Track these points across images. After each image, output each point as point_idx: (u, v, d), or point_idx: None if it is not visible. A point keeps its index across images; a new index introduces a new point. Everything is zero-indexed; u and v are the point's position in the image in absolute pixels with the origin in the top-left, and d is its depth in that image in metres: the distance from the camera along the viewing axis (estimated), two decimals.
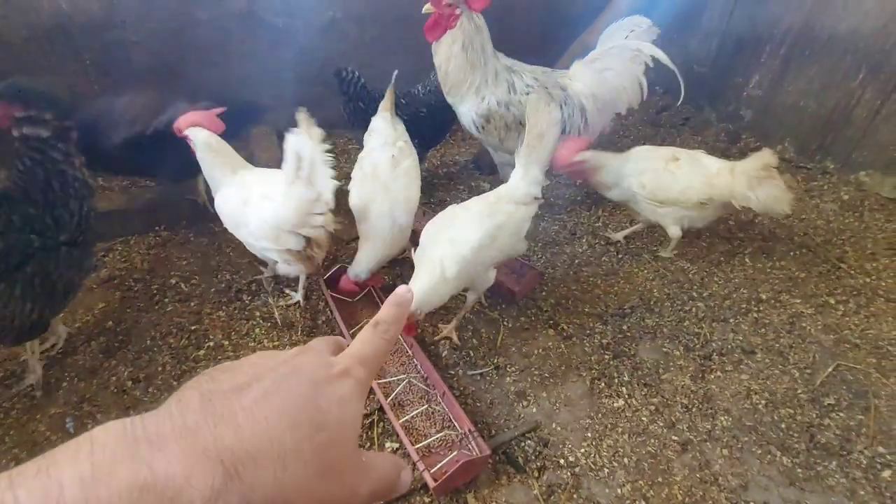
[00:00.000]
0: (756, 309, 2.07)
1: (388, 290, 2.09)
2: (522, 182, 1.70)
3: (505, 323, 1.95)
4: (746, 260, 2.34)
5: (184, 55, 2.69)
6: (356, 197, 1.81)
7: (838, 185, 2.88)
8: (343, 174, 2.94)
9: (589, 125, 2.29)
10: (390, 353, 1.56)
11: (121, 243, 2.28)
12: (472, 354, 1.81)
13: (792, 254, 2.39)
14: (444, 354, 1.81)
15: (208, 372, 0.39)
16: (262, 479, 0.33)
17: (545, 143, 1.64)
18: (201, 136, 1.71)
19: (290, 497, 0.34)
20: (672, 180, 2.07)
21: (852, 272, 2.27)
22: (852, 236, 2.49)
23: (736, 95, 3.43)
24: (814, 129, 3.04)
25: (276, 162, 2.74)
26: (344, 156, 3.16)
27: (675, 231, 2.19)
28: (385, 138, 1.83)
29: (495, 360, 1.79)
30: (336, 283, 1.93)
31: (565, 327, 1.93)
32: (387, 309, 0.49)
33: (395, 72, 2.07)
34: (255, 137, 2.79)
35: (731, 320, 2.01)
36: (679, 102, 2.34)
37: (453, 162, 3.09)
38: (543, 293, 2.11)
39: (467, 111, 2.11)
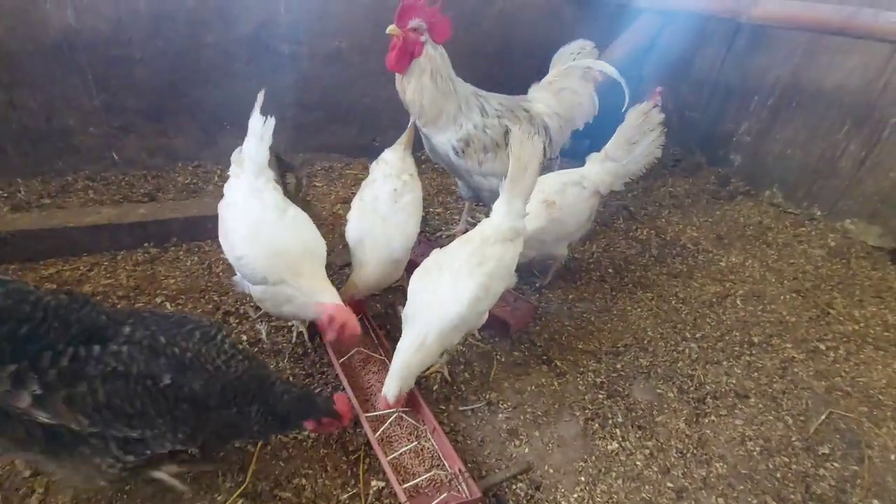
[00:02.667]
0: (748, 352, 2.07)
1: (381, 318, 2.07)
2: (507, 217, 1.63)
3: (498, 357, 1.92)
4: (738, 302, 2.36)
5: (187, 74, 2.71)
6: (353, 230, 1.79)
7: (825, 231, 2.95)
8: (339, 198, 2.99)
9: (553, 142, 2.40)
10: (380, 387, 1.52)
11: (108, 259, 2.23)
12: (463, 389, 1.77)
13: (782, 297, 2.41)
14: (434, 388, 1.76)
15: None
16: None
17: (528, 174, 1.61)
18: None
19: None
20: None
21: (841, 318, 2.29)
22: (840, 283, 2.53)
23: (726, 141, 3.54)
24: (801, 176, 3.14)
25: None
26: (340, 180, 3.17)
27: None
28: (391, 169, 1.83)
29: (487, 396, 1.74)
30: None
31: (559, 364, 1.90)
32: None
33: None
34: None
35: (725, 363, 2.00)
36: (624, 109, 2.37)
37: (449, 191, 3.11)
38: (537, 327, 2.09)
39: (447, 140, 2.09)
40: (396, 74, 1.96)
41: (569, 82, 2.36)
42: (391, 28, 1.84)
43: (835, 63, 2.86)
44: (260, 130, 1.67)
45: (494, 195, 1.71)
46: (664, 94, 2.69)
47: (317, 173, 3.16)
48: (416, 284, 1.57)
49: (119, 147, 2.80)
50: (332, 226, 2.72)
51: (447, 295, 1.49)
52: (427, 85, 1.93)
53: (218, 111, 2.87)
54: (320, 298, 1.55)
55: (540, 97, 2.36)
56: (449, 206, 2.99)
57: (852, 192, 2.89)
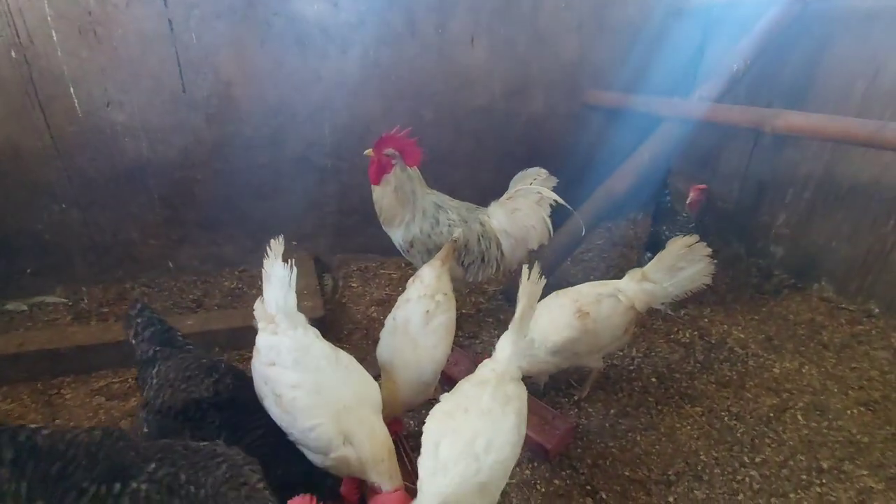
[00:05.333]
0: (818, 481, 1.87)
1: (416, 437, 2.01)
2: (515, 357, 1.55)
3: (538, 486, 1.81)
4: (799, 417, 2.17)
5: (240, 191, 2.97)
6: (385, 349, 1.81)
7: (886, 329, 2.74)
8: (373, 299, 3.06)
9: (505, 257, 2.56)
10: None
11: None
12: None
13: (849, 412, 2.21)
14: None
15: None
16: None
17: (531, 313, 1.57)
18: None
19: None
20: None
21: None
22: None
23: (764, 233, 3.47)
24: (850, 270, 2.99)
25: (310, 287, 2.86)
26: (375, 280, 3.26)
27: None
28: (425, 289, 1.86)
29: None
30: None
31: (605, 496, 1.76)
32: None
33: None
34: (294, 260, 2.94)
35: (792, 495, 1.81)
36: (582, 233, 2.69)
37: (482, 291, 3.13)
38: (578, 450, 1.97)
39: (397, 238, 2.46)
40: None
41: (523, 204, 2.54)
42: (367, 151, 2.27)
43: (867, 158, 2.83)
44: (286, 278, 1.58)
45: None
46: (707, 192, 2.73)
47: (352, 273, 3.28)
48: (432, 431, 1.40)
49: (174, 256, 3.03)
50: (366, 329, 2.77)
51: (487, 437, 1.35)
52: (389, 194, 2.33)
53: (265, 220, 3.09)
54: (383, 487, 1.44)
55: (496, 213, 2.55)
56: (481, 307, 3.00)
57: None
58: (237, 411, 1.55)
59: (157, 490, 1.14)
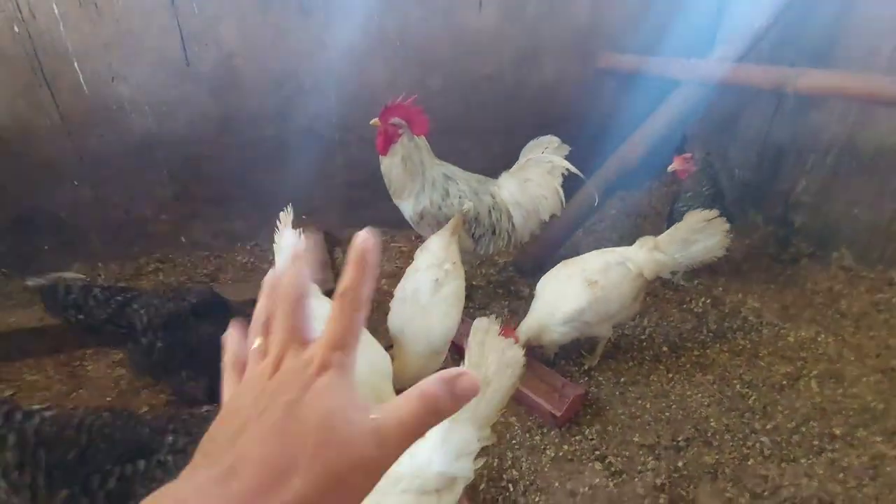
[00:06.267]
0: (830, 447, 1.86)
1: None
2: (438, 453, 1.09)
3: (547, 451, 1.83)
4: (813, 385, 2.16)
5: (248, 165, 2.96)
6: (395, 319, 1.83)
7: None
8: (384, 272, 3.07)
9: (516, 229, 2.52)
10: None
11: None
12: (511, 490, 1.69)
13: (865, 379, 2.18)
14: (481, 488, 1.69)
15: (209, 429, 0.42)
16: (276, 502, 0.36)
17: (493, 391, 1.11)
18: None
19: (313, 499, 0.37)
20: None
21: None
22: None
23: (782, 200, 3.37)
24: (872, 237, 2.91)
25: (321, 262, 2.88)
26: (385, 253, 3.26)
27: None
28: (434, 259, 1.87)
29: (537, 499, 1.66)
30: None
31: (613, 461, 1.78)
32: (349, 272, 0.45)
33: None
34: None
35: (803, 461, 1.81)
36: (595, 203, 2.63)
37: (492, 263, 3.12)
38: (588, 416, 1.99)
39: (407, 209, 2.45)
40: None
41: (534, 174, 2.49)
42: (373, 121, 2.22)
43: (894, 119, 2.71)
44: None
45: None
46: (692, 162, 2.63)
47: None
48: None
49: (186, 232, 3.05)
50: (377, 302, 2.77)
51: None
52: (397, 164, 2.29)
53: (274, 195, 3.07)
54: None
55: (507, 184, 2.50)
56: (491, 278, 2.99)
57: None
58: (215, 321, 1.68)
59: (183, 459, 1.17)
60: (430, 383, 0.42)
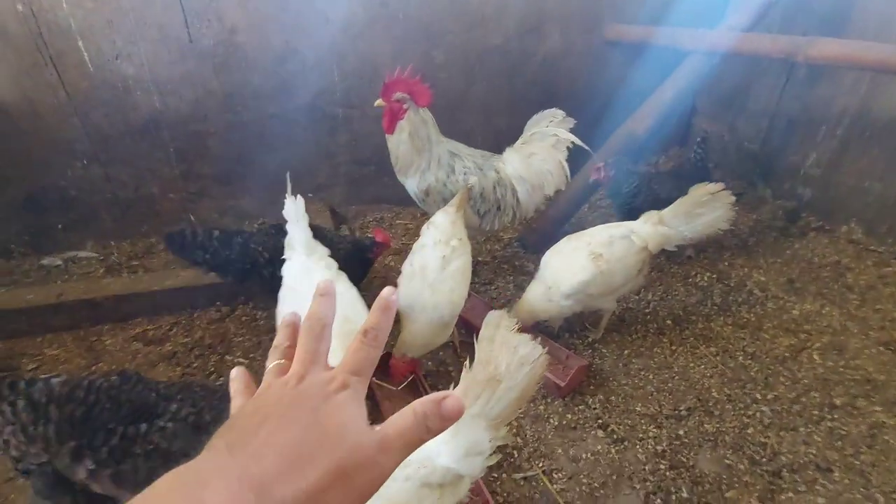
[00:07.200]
0: (830, 416, 1.90)
1: (433, 375, 2.10)
2: (448, 445, 1.07)
3: (551, 420, 1.88)
4: (815, 357, 2.18)
5: (253, 142, 2.96)
6: (403, 296, 1.85)
7: None
8: (390, 249, 3.09)
9: (521, 205, 2.51)
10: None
11: (185, 317, 2.43)
12: (516, 455, 1.75)
13: (867, 351, 2.20)
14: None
15: (228, 422, 0.48)
16: (289, 491, 0.41)
17: (504, 388, 1.06)
18: None
19: (318, 495, 0.41)
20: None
21: None
22: None
23: (791, 174, 3.33)
24: (882, 211, 2.88)
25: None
26: (391, 230, 3.28)
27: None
28: (441, 235, 1.88)
29: (541, 464, 1.71)
30: (382, 368, 1.95)
31: (616, 429, 1.83)
32: (374, 315, 0.53)
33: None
34: (310, 212, 2.97)
35: (802, 429, 1.85)
36: (592, 179, 2.58)
37: (498, 239, 3.13)
38: (591, 387, 2.03)
39: (412, 186, 2.42)
40: None
41: (538, 148, 2.46)
42: (378, 102, 2.20)
43: None
44: (295, 213, 1.80)
45: None
46: (607, 169, 2.56)
47: (368, 224, 3.31)
48: None
49: (195, 210, 3.09)
50: (383, 277, 2.83)
51: None
52: (405, 140, 2.28)
53: (280, 172, 3.06)
54: None
55: (511, 159, 2.47)
56: (496, 254, 3.01)
57: None
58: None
59: (182, 428, 1.23)
60: (422, 403, 0.48)
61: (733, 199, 2.09)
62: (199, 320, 2.43)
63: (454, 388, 1.15)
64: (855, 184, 2.98)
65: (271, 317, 2.45)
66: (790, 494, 1.62)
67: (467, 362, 1.14)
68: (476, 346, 1.12)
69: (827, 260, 2.84)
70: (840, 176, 3.05)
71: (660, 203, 2.15)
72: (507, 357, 1.07)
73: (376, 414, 1.84)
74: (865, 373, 2.08)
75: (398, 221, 3.35)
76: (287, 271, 1.81)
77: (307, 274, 1.74)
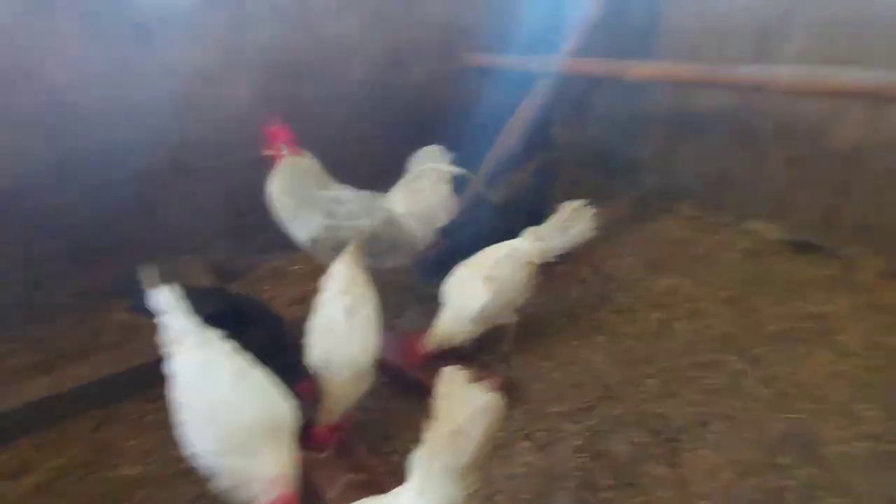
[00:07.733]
0: (699, 375, 2.23)
1: (360, 426, 2.02)
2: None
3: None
4: (680, 325, 2.55)
5: (110, 211, 2.63)
6: (317, 355, 1.79)
7: (734, 235, 3.27)
8: (291, 298, 2.94)
9: (414, 239, 2.61)
10: None
11: (53, 434, 2.06)
12: None
13: (717, 311, 2.63)
14: None
15: None
16: None
17: (467, 440, 1.08)
18: None
19: None
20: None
21: (769, 319, 2.53)
22: (760, 283, 2.79)
23: (635, 167, 3.89)
24: (707, 188, 3.51)
25: None
26: (287, 278, 3.13)
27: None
28: (340, 286, 1.86)
29: (480, 488, 1.77)
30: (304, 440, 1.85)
31: (539, 436, 1.96)
32: None
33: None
34: (189, 275, 2.71)
35: (683, 392, 2.15)
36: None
37: (398, 269, 3.15)
38: (512, 399, 2.14)
39: (298, 237, 2.40)
40: None
41: (423, 185, 2.62)
42: (264, 151, 2.21)
43: (704, 92, 3.28)
44: (175, 302, 1.56)
45: None
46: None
47: (262, 277, 3.11)
48: None
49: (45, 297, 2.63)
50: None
51: None
52: (284, 190, 2.26)
53: (148, 239, 2.78)
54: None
55: (398, 199, 2.59)
56: (399, 283, 3.03)
57: (750, 196, 3.28)
58: None
59: None
60: None
61: (594, 211, 2.41)
62: (71, 432, 2.07)
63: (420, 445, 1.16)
64: (683, 169, 3.58)
65: (161, 409, 2.19)
66: (686, 454, 1.87)
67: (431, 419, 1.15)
68: (435, 404, 1.16)
69: (674, 235, 3.35)
70: (673, 163, 3.64)
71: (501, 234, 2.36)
72: (465, 410, 1.11)
73: (310, 488, 1.75)
74: (721, 330, 2.49)
75: (293, 267, 3.19)
76: (179, 368, 1.52)
77: (208, 369, 1.51)
